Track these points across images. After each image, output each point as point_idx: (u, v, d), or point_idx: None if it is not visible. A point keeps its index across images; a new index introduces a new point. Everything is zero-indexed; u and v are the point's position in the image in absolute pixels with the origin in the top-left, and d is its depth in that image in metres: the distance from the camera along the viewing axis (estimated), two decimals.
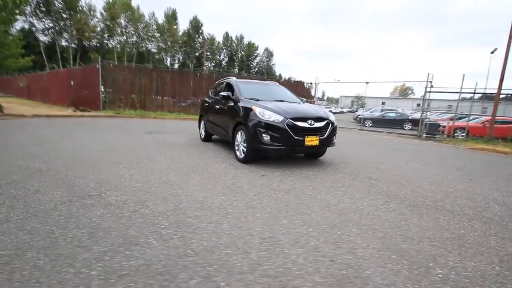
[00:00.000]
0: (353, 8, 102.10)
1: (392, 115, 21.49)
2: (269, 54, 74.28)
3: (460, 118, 16.82)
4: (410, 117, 21.04)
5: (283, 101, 5.21)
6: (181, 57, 60.79)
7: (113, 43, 49.22)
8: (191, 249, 1.88)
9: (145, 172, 3.74)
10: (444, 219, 2.71)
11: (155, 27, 51.85)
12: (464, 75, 11.90)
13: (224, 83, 6.09)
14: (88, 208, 2.47)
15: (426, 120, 14.32)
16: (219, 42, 65.52)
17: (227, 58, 69.00)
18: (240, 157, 4.67)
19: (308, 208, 2.79)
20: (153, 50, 54.49)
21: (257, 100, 4.92)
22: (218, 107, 5.83)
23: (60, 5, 42.62)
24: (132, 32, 49.89)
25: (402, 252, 2.03)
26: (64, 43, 45.74)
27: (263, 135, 4.18)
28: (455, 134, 14.00)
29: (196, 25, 57.70)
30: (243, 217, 2.46)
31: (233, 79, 5.85)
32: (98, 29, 47.08)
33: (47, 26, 44.01)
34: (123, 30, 48.76)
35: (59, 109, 14.61)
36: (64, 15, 43.22)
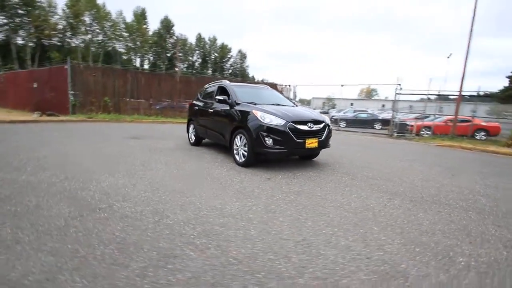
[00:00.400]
0: (315, 9, 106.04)
1: (363, 115, 22.72)
2: (242, 56, 74.50)
3: (424, 118, 18.32)
4: (379, 117, 22.42)
5: (278, 104, 5.30)
6: (151, 58, 58.63)
7: (77, 42, 45.98)
8: (233, 257, 1.87)
9: (148, 180, 3.59)
10: (445, 212, 2.97)
11: (123, 26, 49.41)
12: (431, 79, 13.07)
13: (216, 87, 6.03)
14: (104, 222, 2.32)
15: (396, 120, 15.35)
16: (191, 43, 64.32)
17: (200, 60, 67.97)
18: (240, 161, 4.66)
19: (324, 208, 2.88)
20: (121, 50, 51.89)
21: (254, 104, 4.96)
22: (211, 111, 5.76)
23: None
24: (98, 30, 47.05)
25: (424, 244, 2.20)
26: (20, 41, 41.77)
27: (266, 138, 4.23)
28: (421, 133, 15.21)
29: (167, 25, 56.06)
30: (268, 222, 2.48)
31: (226, 83, 5.82)
32: (60, 26, 43.65)
33: (0, 22, 39.90)
34: (88, 28, 45.79)
35: (21, 114, 13.33)
36: (21, 11, 39.46)
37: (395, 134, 14.24)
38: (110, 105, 14.14)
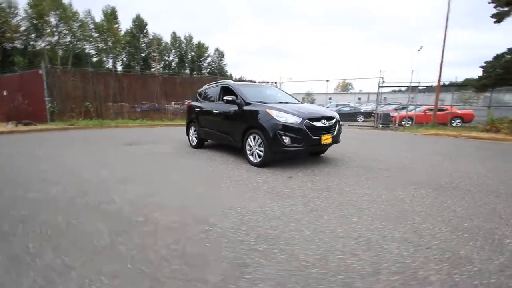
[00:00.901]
0: (290, 5, 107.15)
1: (346, 109, 23.35)
2: (220, 54, 73.52)
3: (403, 109, 19.22)
4: (362, 110, 23.21)
5: (286, 102, 5.30)
6: (125, 59, 56.22)
7: (42, 45, 42.90)
8: (304, 261, 1.85)
9: (170, 187, 3.45)
10: (469, 198, 3.14)
11: (93, 26, 46.82)
12: (412, 71, 13.68)
13: (219, 87, 5.91)
14: (152, 235, 2.20)
15: (380, 112, 15.96)
16: (166, 43, 62.44)
17: (177, 59, 66.23)
18: (255, 161, 4.62)
19: (361, 203, 2.94)
20: (91, 51, 49.27)
21: (264, 103, 4.93)
22: (216, 112, 5.64)
23: None
24: (66, 31, 44.21)
25: (469, 230, 2.31)
26: None
27: (284, 137, 4.22)
28: (403, 123, 15.96)
29: (140, 24, 53.93)
30: (316, 221, 2.48)
31: (230, 83, 5.72)
32: (23, 28, 40.47)
33: None
34: (54, 29, 42.87)
35: None
36: None
37: (380, 125, 14.82)
38: (92, 111, 13.41)
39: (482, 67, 11.95)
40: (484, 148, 6.99)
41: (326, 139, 4.50)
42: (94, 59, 50.66)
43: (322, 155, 5.65)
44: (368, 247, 2.02)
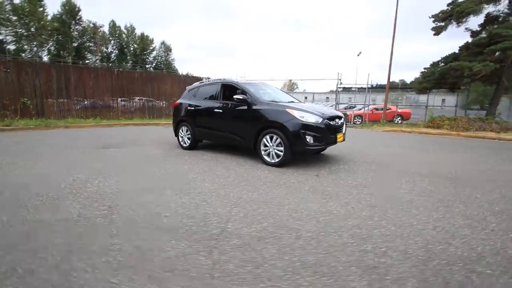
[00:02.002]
0: (241, 4, 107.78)
1: None
2: (166, 48, 69.36)
3: (351, 108, 21.25)
4: None
5: (293, 101, 5.37)
6: (53, 48, 48.48)
7: None
8: (415, 256, 1.94)
9: (210, 194, 3.19)
10: (480, 187, 3.67)
11: (10, 8, 38.87)
12: (369, 74, 15.17)
13: (219, 85, 5.63)
14: (242, 248, 2.01)
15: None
16: (104, 32, 56.03)
17: (117, 51, 60.12)
18: (273, 161, 4.57)
19: (403, 196, 3.19)
20: (8, 37, 40.99)
21: (275, 102, 4.91)
22: (219, 111, 5.37)
23: None
24: None
25: (506, 219, 2.73)
26: None
27: (307, 137, 4.28)
28: (354, 121, 17.66)
29: (71, 9, 47.03)
30: (385, 217, 2.61)
31: (234, 80, 5.50)
32: None
33: None
34: None
35: None
36: None
37: None
38: (32, 108, 11.27)
39: (422, 72, 14.04)
40: (441, 142, 8.25)
41: (340, 137, 4.73)
42: (11, 46, 42.32)
43: (322, 152, 5.90)
44: (455, 236, 2.23)
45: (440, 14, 12.79)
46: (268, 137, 4.62)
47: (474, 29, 13.68)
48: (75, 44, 50.41)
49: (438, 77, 12.78)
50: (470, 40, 12.84)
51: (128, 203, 2.86)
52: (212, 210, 2.72)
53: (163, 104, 15.59)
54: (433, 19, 13.09)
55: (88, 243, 2.04)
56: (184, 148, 6.22)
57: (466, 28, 13.73)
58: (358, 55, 39.53)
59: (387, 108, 18.51)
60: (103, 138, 7.79)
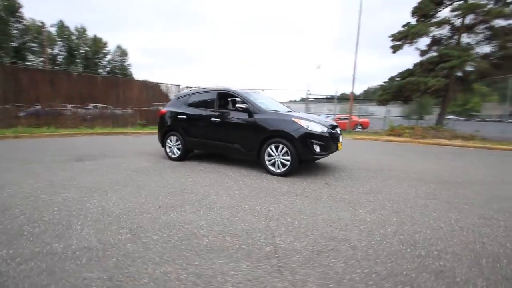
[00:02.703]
0: (200, 10, 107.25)
1: None
2: (122, 52, 65.36)
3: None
4: None
5: (290, 111, 5.44)
6: None
7: None
8: (460, 255, 2.07)
9: (232, 209, 3.01)
10: (486, 188, 4.06)
11: None
12: (337, 85, 16.20)
13: (214, 93, 5.45)
14: (308, 264, 1.93)
15: None
16: (50, 32, 50.69)
17: (65, 53, 54.79)
18: (278, 171, 4.53)
19: (418, 201, 3.40)
20: None
21: (276, 111, 4.94)
22: (217, 120, 5.18)
23: None
24: None
25: (509, 216, 3.09)
26: None
27: (314, 146, 4.34)
28: None
29: (10, 5, 41.63)
30: (417, 222, 2.75)
31: (232, 89, 5.37)
32: None
33: None
34: None
35: None
36: None
37: None
38: None
39: (380, 85, 15.49)
40: (411, 149, 9.07)
41: (339, 145, 4.91)
42: None
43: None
44: (472, 233, 2.44)
45: (398, 34, 14.37)
46: (273, 146, 4.58)
47: (422, 49, 15.68)
48: (15, 44, 44.69)
49: (396, 90, 14.21)
50: (415, 58, 14.58)
51: (151, 224, 2.54)
52: (249, 225, 2.57)
53: (128, 111, 14.53)
54: (391, 38, 14.62)
55: (136, 276, 1.75)
56: (173, 159, 5.83)
57: (416, 48, 15.66)
58: (317, 68, 42.12)
59: (347, 118, 19.87)
60: (71, 149, 6.92)
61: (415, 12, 14.32)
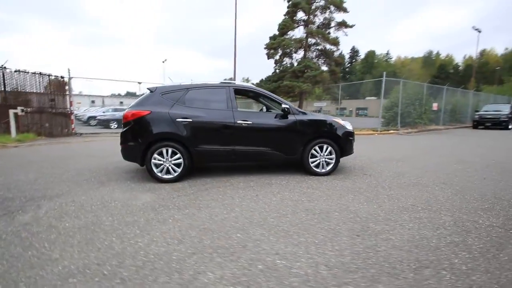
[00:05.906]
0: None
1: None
2: None
3: None
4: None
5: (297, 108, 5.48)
6: None
7: None
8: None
9: (313, 221, 2.98)
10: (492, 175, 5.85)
11: None
12: (171, 78, 16.66)
13: (229, 90, 4.42)
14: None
15: None
16: None
17: None
18: (323, 170, 4.59)
19: (439, 196, 4.74)
20: None
21: (304, 112, 4.92)
22: (248, 123, 4.30)
23: None
24: None
25: None
26: None
27: (353, 143, 4.79)
28: None
29: None
30: (460, 218, 3.89)
31: (252, 86, 4.57)
32: None
33: None
34: None
35: None
36: None
37: None
38: None
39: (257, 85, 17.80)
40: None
41: None
42: None
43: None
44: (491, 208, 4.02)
45: (270, 44, 16.98)
46: (317, 147, 4.56)
47: (277, 59, 19.44)
48: None
49: (271, 91, 16.94)
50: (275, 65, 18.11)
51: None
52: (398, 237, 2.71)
53: None
54: (265, 46, 17.08)
55: None
56: (166, 181, 4.17)
57: (274, 58, 19.08)
58: (163, 62, 40.74)
59: None
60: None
61: (282, 28, 17.58)
